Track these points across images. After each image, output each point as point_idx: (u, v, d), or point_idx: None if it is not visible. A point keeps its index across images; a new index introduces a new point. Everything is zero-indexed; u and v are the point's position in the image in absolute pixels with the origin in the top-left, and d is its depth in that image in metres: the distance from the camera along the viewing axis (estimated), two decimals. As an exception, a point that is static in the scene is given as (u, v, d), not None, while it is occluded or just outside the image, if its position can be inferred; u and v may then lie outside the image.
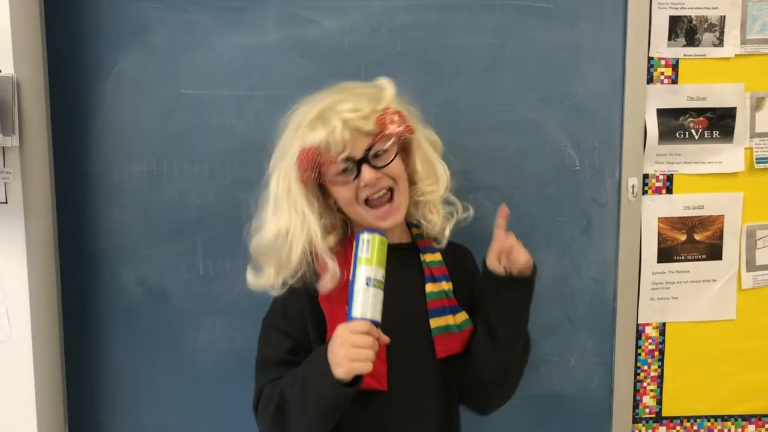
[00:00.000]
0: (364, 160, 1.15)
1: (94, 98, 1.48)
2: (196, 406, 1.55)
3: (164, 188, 1.50)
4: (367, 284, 1.06)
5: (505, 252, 1.18)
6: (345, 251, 1.20)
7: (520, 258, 1.18)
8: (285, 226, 1.18)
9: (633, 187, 1.56)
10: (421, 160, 1.24)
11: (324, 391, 1.07)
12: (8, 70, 1.32)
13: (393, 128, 1.16)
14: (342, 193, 1.18)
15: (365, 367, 1.05)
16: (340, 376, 1.05)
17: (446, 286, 1.23)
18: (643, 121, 1.54)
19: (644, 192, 1.57)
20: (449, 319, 1.21)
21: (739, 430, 1.65)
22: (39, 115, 1.42)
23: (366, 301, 1.06)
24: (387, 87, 1.21)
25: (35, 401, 1.41)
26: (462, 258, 1.32)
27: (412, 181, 1.24)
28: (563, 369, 1.58)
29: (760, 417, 1.66)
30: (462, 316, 1.23)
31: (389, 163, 1.17)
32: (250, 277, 1.25)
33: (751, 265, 1.61)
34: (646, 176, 1.56)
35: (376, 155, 1.17)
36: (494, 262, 1.20)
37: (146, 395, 1.56)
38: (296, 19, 1.48)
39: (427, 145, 1.26)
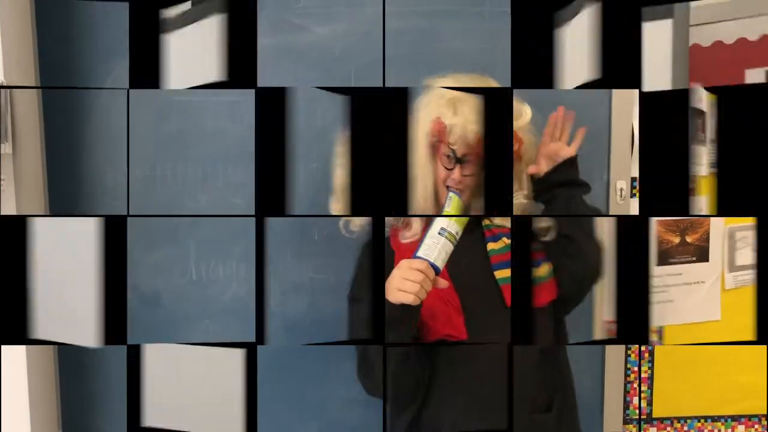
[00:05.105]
0: (463, 161, 1.24)
1: (87, 104, 1.49)
2: (190, 409, 1.56)
3: (157, 193, 1.51)
4: (438, 233, 1.16)
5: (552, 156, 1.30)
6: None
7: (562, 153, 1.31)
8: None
9: (621, 190, 1.57)
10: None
11: None
12: (0, 77, 1.33)
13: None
14: (441, 168, 1.27)
15: (407, 297, 1.12)
16: (389, 300, 1.14)
17: (508, 241, 1.27)
18: (630, 125, 1.56)
19: (632, 195, 1.58)
20: None
21: (729, 430, 1.66)
22: (32, 122, 1.43)
23: (431, 245, 1.15)
24: (525, 114, 1.30)
25: (29, 405, 1.41)
26: None
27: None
28: (554, 371, 1.59)
29: (749, 417, 1.67)
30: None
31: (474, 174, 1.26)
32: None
33: (732, 266, 1.62)
34: (634, 179, 1.58)
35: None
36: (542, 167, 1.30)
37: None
38: (288, 25, 1.49)
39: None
